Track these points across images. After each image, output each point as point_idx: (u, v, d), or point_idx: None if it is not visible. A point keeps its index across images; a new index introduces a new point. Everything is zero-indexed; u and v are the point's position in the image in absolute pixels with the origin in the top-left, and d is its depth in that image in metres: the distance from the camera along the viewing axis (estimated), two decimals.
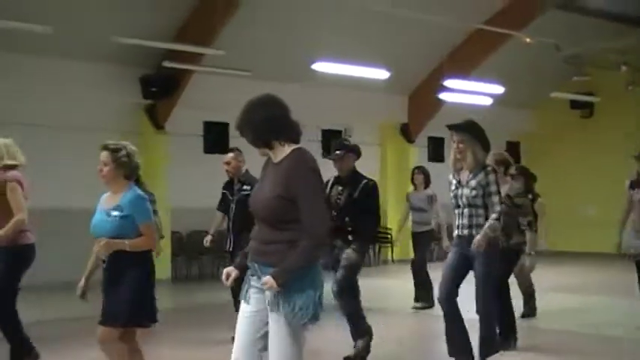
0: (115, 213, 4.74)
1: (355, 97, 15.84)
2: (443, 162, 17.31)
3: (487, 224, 5.76)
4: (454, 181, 5.99)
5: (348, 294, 6.40)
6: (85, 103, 12.89)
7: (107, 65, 13.01)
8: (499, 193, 5.86)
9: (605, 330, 8.29)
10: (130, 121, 13.70)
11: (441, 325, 6.16)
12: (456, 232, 6.00)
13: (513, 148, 20.18)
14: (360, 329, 6.49)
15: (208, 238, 7.80)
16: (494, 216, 5.77)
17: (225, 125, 14.23)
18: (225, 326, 6.71)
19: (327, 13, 13.67)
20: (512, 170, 7.67)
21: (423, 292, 9.66)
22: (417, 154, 17.31)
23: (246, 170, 7.57)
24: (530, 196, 7.96)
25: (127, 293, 4.67)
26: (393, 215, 15.45)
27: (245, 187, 7.36)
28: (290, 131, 3.78)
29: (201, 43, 12.56)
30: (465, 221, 5.86)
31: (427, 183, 9.96)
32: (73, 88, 12.57)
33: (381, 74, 14.19)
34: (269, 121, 3.73)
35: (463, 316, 5.92)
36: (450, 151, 6.00)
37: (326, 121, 16.08)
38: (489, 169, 5.90)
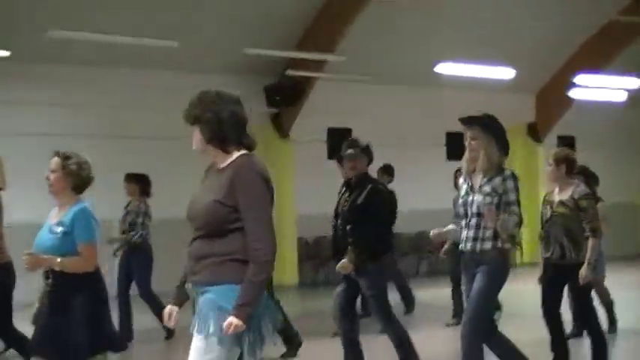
0: (58, 229, 4.25)
1: (480, 98, 15.38)
2: None
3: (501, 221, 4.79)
4: (464, 186, 5.08)
5: (394, 323, 5.86)
6: None
7: (232, 76, 13.30)
8: (519, 203, 4.91)
9: None
10: (256, 131, 13.90)
11: None
12: (460, 247, 5.07)
13: None
14: (411, 356, 5.83)
15: None
16: (516, 219, 4.84)
17: (349, 131, 14.25)
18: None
19: (448, 13, 13.42)
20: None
21: None
22: (545, 155, 16.68)
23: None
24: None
25: (81, 322, 4.15)
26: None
27: None
28: (247, 136, 3.41)
29: (323, 50, 12.65)
30: (471, 233, 4.92)
31: None
32: None
33: (507, 73, 13.79)
34: (235, 122, 3.37)
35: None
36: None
37: (450, 123, 15.72)
38: (509, 173, 4.95)
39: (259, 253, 3.18)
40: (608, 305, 7.95)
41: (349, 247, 5.72)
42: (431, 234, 5.15)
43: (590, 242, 5.84)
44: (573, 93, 15.59)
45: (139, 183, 8.33)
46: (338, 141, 14.55)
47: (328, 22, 12.57)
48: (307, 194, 13.61)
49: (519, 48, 14.45)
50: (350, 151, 5.94)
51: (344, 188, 6.00)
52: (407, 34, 13.60)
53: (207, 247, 3.24)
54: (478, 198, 4.87)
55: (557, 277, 6.00)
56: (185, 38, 11.16)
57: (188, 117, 3.41)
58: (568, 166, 6.00)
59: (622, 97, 16.14)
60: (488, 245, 4.83)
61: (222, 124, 3.33)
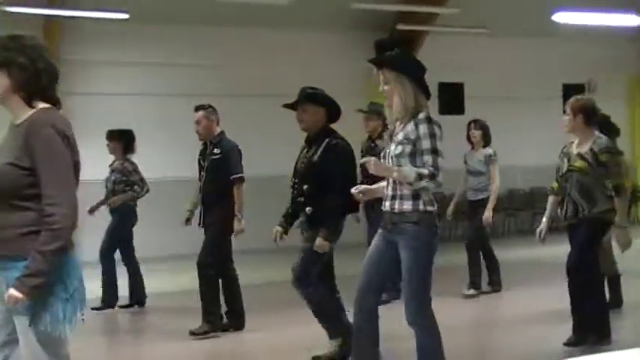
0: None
1: (600, 48, 14.75)
2: None
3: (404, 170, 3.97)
4: (385, 137, 4.36)
5: (304, 284, 5.18)
6: (321, 71, 13.26)
7: (342, 32, 13.28)
8: (435, 152, 4.00)
9: None
10: (364, 86, 13.91)
11: None
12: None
13: None
14: (331, 327, 5.26)
15: (186, 214, 6.77)
16: (423, 171, 3.95)
17: (461, 85, 13.96)
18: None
19: None
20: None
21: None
22: None
23: (222, 132, 6.46)
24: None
25: None
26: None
27: (216, 150, 6.32)
28: (52, 90, 2.97)
29: (435, 2, 12.36)
30: (389, 191, 4.10)
31: (487, 140, 7.96)
32: (310, 57, 12.99)
33: (631, 20, 13.03)
34: (51, 73, 2.96)
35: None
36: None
37: (567, 75, 15.17)
38: (422, 116, 4.03)
39: (52, 219, 2.79)
40: (614, 278, 6.76)
41: (308, 215, 5.17)
42: (353, 190, 4.37)
43: (616, 202, 5.21)
44: None
45: (122, 140, 7.86)
46: (450, 96, 14.42)
47: None
48: None
49: None
50: (294, 101, 5.33)
51: (303, 146, 5.42)
52: None
53: (8, 215, 2.85)
54: (392, 148, 4.10)
55: (576, 235, 5.35)
56: None
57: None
58: (586, 116, 5.32)
59: None
60: (408, 206, 4.02)
61: (37, 73, 2.91)
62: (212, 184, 6.27)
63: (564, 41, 14.24)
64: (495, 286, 7.97)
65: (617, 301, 6.67)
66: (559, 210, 5.47)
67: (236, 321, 6.45)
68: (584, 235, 5.30)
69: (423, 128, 4.01)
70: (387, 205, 4.11)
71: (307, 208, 5.15)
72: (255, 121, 12.29)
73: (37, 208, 2.83)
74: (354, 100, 13.97)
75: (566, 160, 5.39)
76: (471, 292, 7.75)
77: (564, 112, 5.44)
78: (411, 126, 4.04)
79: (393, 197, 4.06)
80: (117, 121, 10.71)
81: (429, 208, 4.03)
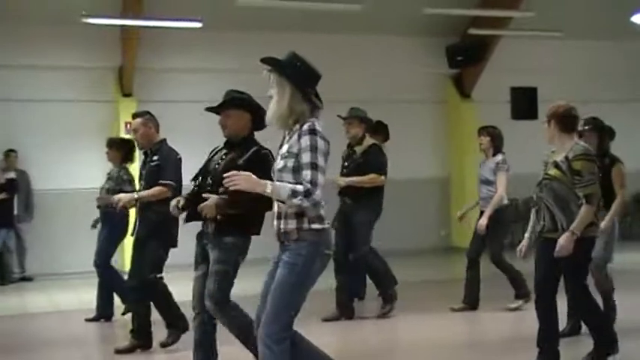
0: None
1: None
2: None
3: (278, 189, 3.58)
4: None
5: (227, 308, 4.67)
6: (393, 76, 13.26)
7: (414, 38, 13.24)
8: (315, 167, 3.61)
9: None
10: (437, 91, 13.84)
11: None
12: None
13: None
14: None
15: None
16: (298, 188, 3.58)
17: (534, 90, 13.72)
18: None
19: None
20: (582, 125, 5.64)
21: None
22: None
23: (162, 140, 6.14)
24: (606, 160, 5.92)
25: None
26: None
27: (154, 158, 5.99)
28: None
29: (509, 6, 12.20)
30: (276, 208, 3.76)
31: (497, 147, 7.63)
32: (381, 62, 12.98)
33: None
34: None
35: None
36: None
37: None
38: (306, 127, 3.68)
39: None
40: (607, 294, 6.28)
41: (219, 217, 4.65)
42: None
43: (582, 210, 4.81)
44: None
45: (121, 149, 7.66)
46: (522, 101, 14.17)
47: None
48: None
49: None
50: (216, 105, 4.89)
51: (220, 148, 4.97)
52: None
53: None
54: (277, 161, 3.79)
55: (552, 254, 4.85)
56: (368, 1, 11.20)
57: None
58: (561, 123, 4.97)
59: None
60: (292, 225, 3.68)
61: None
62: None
63: None
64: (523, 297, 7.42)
65: (612, 317, 6.17)
66: (539, 221, 5.09)
67: (146, 339, 6.16)
68: (572, 262, 4.90)
69: (305, 140, 3.64)
70: (275, 225, 3.76)
71: (218, 215, 4.60)
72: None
73: None
74: (433, 104, 13.99)
75: (543, 170, 5.10)
76: (515, 304, 7.42)
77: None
78: (294, 138, 3.69)
79: (279, 216, 3.73)
80: (191, 127, 10.97)
81: (315, 226, 3.66)
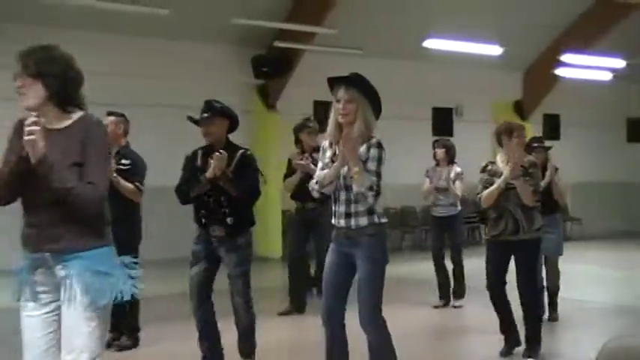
0: None
1: (467, 75, 15.54)
2: (559, 139, 16.77)
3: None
4: (328, 153, 4.46)
5: (248, 307, 5.32)
6: (199, 83, 13.25)
7: (221, 46, 13.32)
8: (379, 176, 4.30)
9: None
10: (243, 101, 13.97)
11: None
12: (333, 222, 4.48)
13: (634, 125, 19.30)
14: (249, 346, 5.43)
15: None
16: (374, 186, 4.24)
17: None
18: None
19: None
20: (535, 143, 7.07)
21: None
22: (531, 132, 16.78)
23: (127, 143, 6.30)
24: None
25: None
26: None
27: (124, 161, 6.10)
28: (79, 96, 3.25)
29: (313, 22, 12.62)
30: (342, 208, 4.35)
31: (451, 158, 8.40)
32: (188, 68, 12.93)
33: (494, 50, 13.84)
34: (76, 80, 3.22)
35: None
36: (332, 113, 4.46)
37: (437, 99, 15.88)
38: (374, 140, 4.34)
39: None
40: (554, 289, 7.30)
41: (230, 221, 5.16)
42: None
43: (522, 182, 5.59)
44: (560, 72, 15.68)
45: None
46: (324, 113, 14.65)
47: None
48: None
49: (508, 26, 14.48)
50: (205, 115, 5.23)
51: (202, 154, 5.31)
52: (397, 9, 13.59)
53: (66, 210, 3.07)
54: (345, 169, 4.31)
55: (505, 255, 5.80)
56: (176, 6, 11.12)
57: (27, 68, 3.11)
58: (508, 137, 5.80)
59: (607, 77, 16.25)
60: (364, 221, 4.32)
61: (67, 82, 3.15)
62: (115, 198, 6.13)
63: (434, 66, 14.90)
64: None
65: (555, 316, 7.32)
66: (498, 226, 5.80)
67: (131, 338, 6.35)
68: (528, 260, 5.77)
69: (374, 152, 4.29)
70: (341, 223, 4.36)
71: (229, 219, 5.14)
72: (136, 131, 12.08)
73: None
74: (238, 113, 14.03)
75: (496, 179, 5.74)
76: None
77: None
78: (364, 147, 4.30)
79: (348, 215, 4.33)
80: None
81: (383, 220, 4.37)
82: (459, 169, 8.28)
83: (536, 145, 7.14)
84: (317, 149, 6.98)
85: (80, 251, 3.07)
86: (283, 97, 14.04)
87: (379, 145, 4.33)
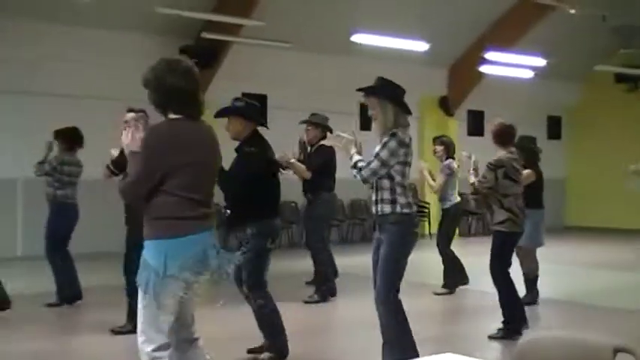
0: None
1: (394, 70, 15.54)
2: (483, 136, 17.12)
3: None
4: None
5: (257, 295, 5.48)
6: (125, 73, 12.96)
7: (147, 36, 13.06)
8: (377, 157, 4.79)
9: None
10: None
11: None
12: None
13: (555, 122, 19.90)
14: (272, 342, 5.53)
15: None
16: (361, 163, 4.84)
17: (264, 97, 14.22)
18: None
19: None
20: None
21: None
22: (456, 128, 17.13)
23: None
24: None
25: None
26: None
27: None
28: (183, 103, 3.75)
29: (241, 14, 12.52)
30: (373, 196, 4.88)
31: (449, 154, 8.97)
32: (112, 58, 12.64)
33: (421, 46, 14.01)
34: (177, 89, 3.68)
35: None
36: None
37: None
38: (391, 132, 4.85)
39: None
40: (533, 279, 8.05)
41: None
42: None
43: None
44: (484, 69, 16.00)
45: (64, 138, 8.14)
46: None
47: None
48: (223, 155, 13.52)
49: (434, 23, 14.69)
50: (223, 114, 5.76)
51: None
52: (325, 2, 13.62)
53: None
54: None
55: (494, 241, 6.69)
56: None
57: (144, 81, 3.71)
58: (496, 138, 6.82)
59: (528, 75, 16.69)
60: (387, 209, 4.77)
61: (166, 90, 3.59)
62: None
63: (362, 60, 14.97)
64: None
65: (533, 299, 7.93)
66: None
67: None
68: (492, 249, 6.48)
69: (385, 139, 4.79)
70: (373, 209, 4.89)
71: (226, 211, 5.52)
72: (61, 121, 11.76)
73: None
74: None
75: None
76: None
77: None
78: (385, 140, 4.80)
79: (376, 202, 4.81)
80: None
81: (405, 211, 4.75)
82: (447, 163, 8.83)
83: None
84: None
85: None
86: (211, 89, 13.88)
87: (393, 137, 4.77)
